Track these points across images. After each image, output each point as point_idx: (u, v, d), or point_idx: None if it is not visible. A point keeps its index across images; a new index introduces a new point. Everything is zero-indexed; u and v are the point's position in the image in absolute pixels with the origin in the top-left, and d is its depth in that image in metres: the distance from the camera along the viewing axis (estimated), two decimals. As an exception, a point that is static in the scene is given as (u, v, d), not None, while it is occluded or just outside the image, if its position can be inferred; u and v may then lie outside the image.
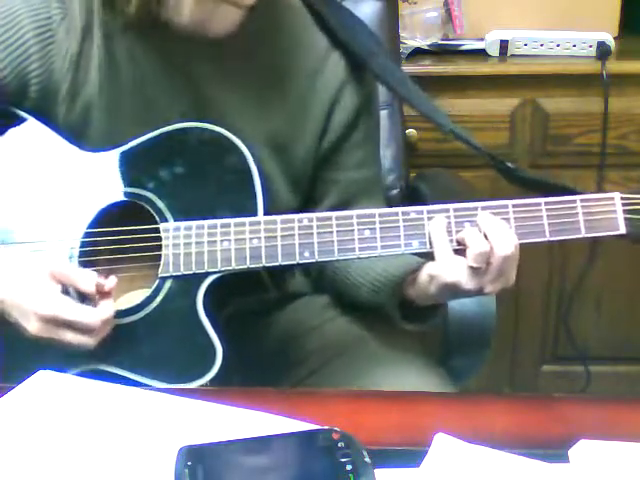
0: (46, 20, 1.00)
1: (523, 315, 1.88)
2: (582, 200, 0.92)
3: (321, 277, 1.15)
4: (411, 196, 1.47)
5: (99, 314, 0.90)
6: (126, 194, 0.98)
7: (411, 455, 0.70)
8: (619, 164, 1.73)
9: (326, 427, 0.69)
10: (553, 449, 0.72)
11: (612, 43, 1.70)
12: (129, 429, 0.73)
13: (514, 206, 0.92)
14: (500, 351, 1.83)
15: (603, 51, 1.69)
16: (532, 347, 1.92)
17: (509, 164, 1.05)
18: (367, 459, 0.65)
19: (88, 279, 0.90)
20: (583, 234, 0.92)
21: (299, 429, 0.71)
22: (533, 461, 0.70)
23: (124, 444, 0.71)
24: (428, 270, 0.92)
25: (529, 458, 0.70)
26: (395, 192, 1.48)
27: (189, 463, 0.65)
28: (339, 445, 0.66)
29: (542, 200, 0.92)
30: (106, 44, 1.01)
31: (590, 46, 1.71)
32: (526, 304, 1.86)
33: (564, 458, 0.70)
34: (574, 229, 0.92)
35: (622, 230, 0.92)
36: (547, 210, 0.92)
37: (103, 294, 0.91)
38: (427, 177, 1.50)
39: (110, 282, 0.91)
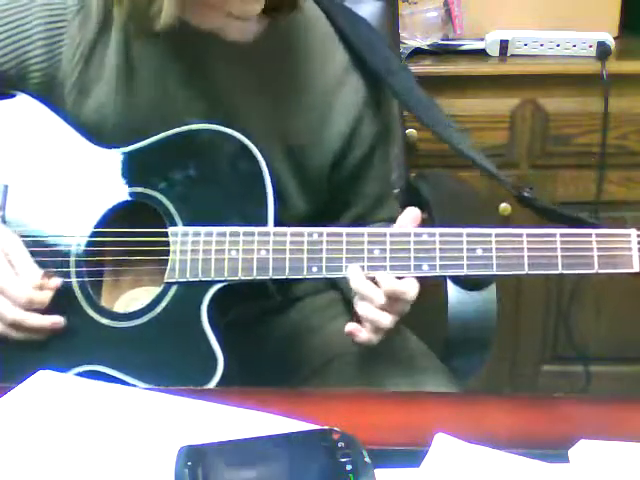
0: (60, 10, 1.01)
1: (523, 315, 1.88)
2: (597, 235, 0.90)
3: None
4: (411, 196, 1.47)
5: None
6: (136, 194, 0.97)
7: (411, 455, 0.70)
8: (619, 164, 1.73)
9: (326, 427, 0.69)
10: (553, 449, 0.71)
11: (612, 43, 1.70)
12: (129, 429, 0.73)
13: (528, 235, 0.90)
14: (500, 351, 1.83)
15: (603, 51, 1.68)
16: (532, 347, 1.92)
17: (526, 194, 1.04)
18: (367, 459, 0.65)
19: (33, 274, 0.93)
20: (596, 270, 0.90)
21: (299, 429, 0.71)
22: (533, 461, 0.70)
23: (124, 444, 0.71)
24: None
25: (529, 458, 0.70)
26: (395, 192, 1.48)
27: (189, 463, 0.65)
28: (339, 445, 0.66)
29: (557, 231, 0.90)
30: (124, 45, 1.01)
31: (590, 46, 1.70)
32: (526, 304, 1.86)
33: (564, 458, 0.70)
34: (587, 264, 0.90)
35: (636, 269, 0.90)
36: (561, 242, 0.90)
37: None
38: (427, 177, 1.50)
39: (53, 282, 0.94)
